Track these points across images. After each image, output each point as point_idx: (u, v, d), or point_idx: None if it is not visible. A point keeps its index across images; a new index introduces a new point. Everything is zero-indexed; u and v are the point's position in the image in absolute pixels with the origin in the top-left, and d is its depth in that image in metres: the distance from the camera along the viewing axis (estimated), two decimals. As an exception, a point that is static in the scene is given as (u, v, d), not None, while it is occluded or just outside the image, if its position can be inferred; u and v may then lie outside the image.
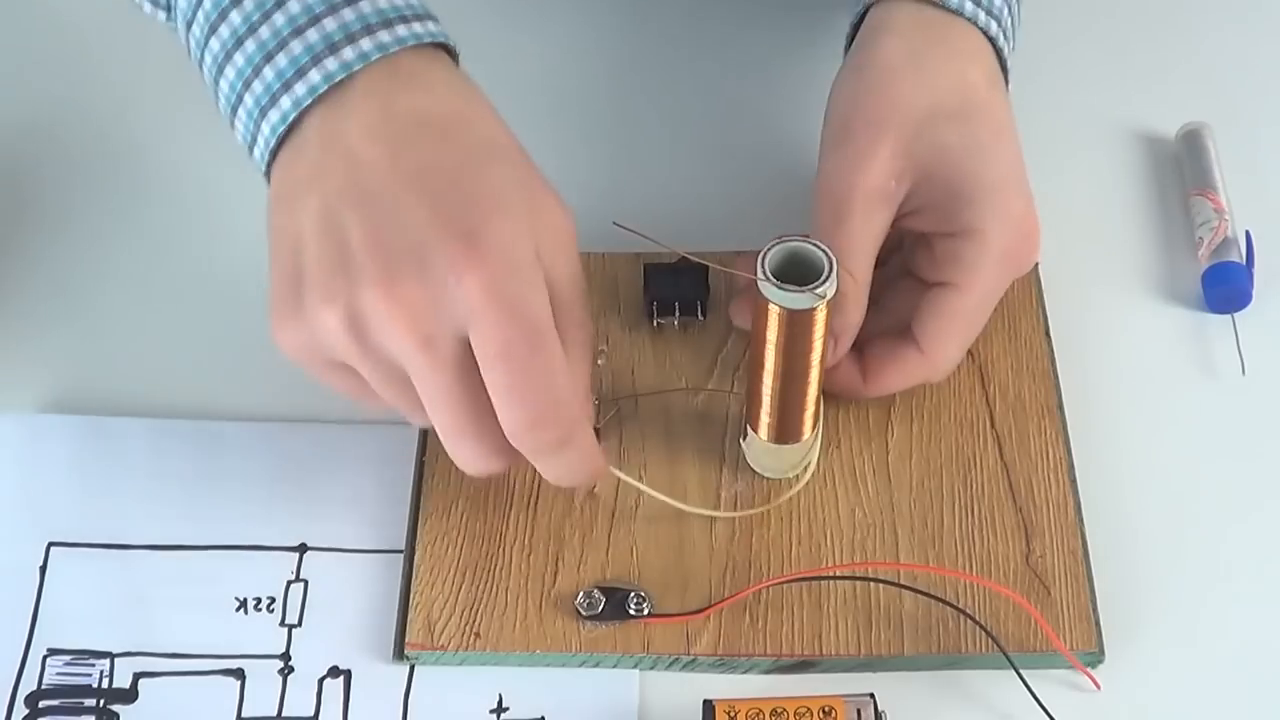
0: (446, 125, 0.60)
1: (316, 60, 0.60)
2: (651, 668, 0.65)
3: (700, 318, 0.73)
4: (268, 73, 0.60)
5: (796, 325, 0.61)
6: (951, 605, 0.65)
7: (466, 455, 0.61)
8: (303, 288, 0.59)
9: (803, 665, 0.65)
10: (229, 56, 0.61)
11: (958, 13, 0.68)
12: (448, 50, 0.63)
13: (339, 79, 0.59)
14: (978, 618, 0.64)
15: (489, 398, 0.59)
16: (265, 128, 0.61)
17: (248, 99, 0.61)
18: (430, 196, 0.58)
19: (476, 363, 0.58)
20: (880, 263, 0.68)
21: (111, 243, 0.78)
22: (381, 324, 0.57)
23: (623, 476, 0.66)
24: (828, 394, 0.67)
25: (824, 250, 0.60)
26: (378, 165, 0.58)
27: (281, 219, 0.60)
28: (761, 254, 0.60)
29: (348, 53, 0.59)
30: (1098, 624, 0.65)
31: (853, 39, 0.71)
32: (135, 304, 0.76)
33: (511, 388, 0.58)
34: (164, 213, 0.79)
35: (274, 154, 0.61)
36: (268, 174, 0.62)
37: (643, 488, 0.67)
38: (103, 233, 0.78)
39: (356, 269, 0.57)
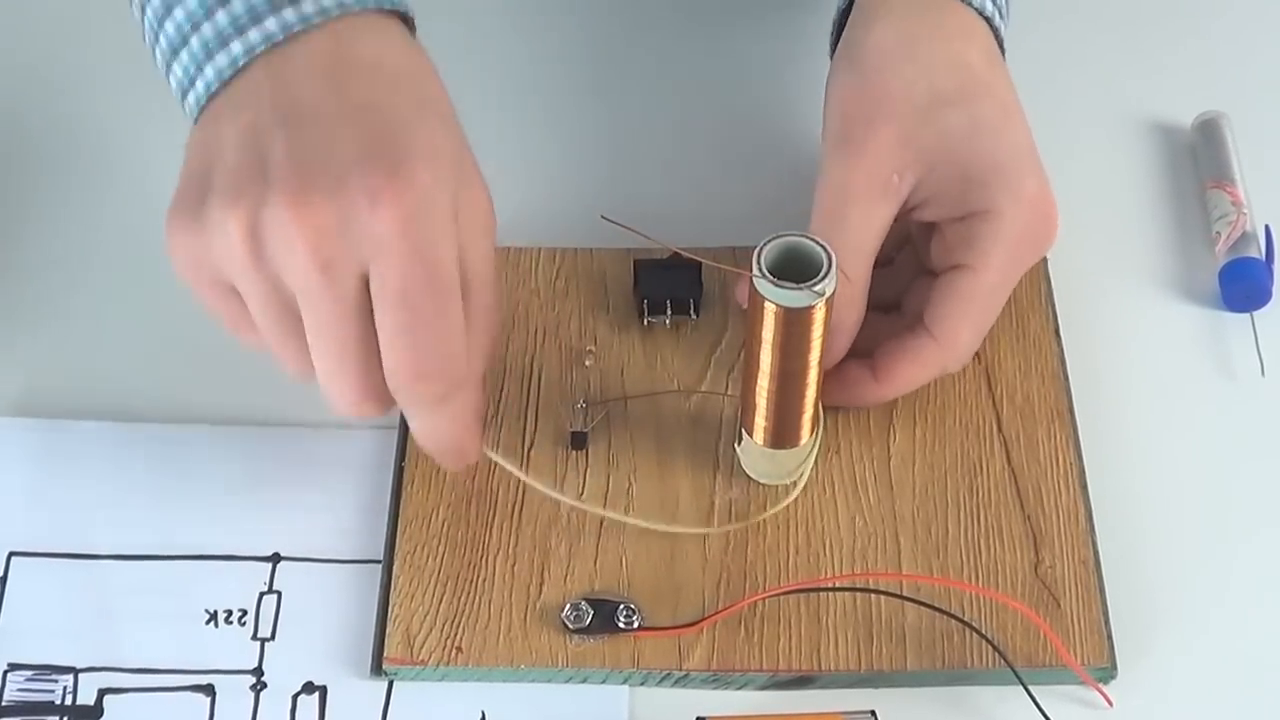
0: (397, 76, 0.60)
1: (275, 9, 0.59)
2: (642, 683, 0.64)
3: (693, 316, 0.72)
4: (221, 18, 0.60)
5: (794, 324, 0.60)
6: (956, 618, 0.64)
7: (341, 395, 0.60)
8: (209, 193, 0.58)
9: (800, 681, 0.64)
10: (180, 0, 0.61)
11: None
12: (405, 20, 0.63)
13: (295, 30, 0.59)
14: (984, 631, 0.63)
15: (376, 339, 0.58)
16: (209, 70, 0.60)
17: (194, 41, 0.61)
18: (365, 130, 0.57)
19: (369, 302, 0.58)
20: (886, 261, 0.68)
21: (75, 241, 0.77)
22: (283, 239, 0.56)
23: (500, 460, 0.65)
24: (835, 406, 0.67)
25: (822, 246, 0.60)
26: (319, 95, 0.58)
27: (204, 132, 0.60)
28: (758, 250, 0.60)
29: (307, 6, 0.59)
30: (1110, 637, 0.64)
31: (841, 25, 0.70)
32: (100, 302, 0.75)
33: (402, 332, 0.58)
34: (130, 212, 0.78)
35: (212, 97, 0.61)
36: (199, 116, 0.61)
37: (521, 475, 0.66)
38: (66, 231, 0.78)
39: (270, 180, 0.57)
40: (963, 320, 0.67)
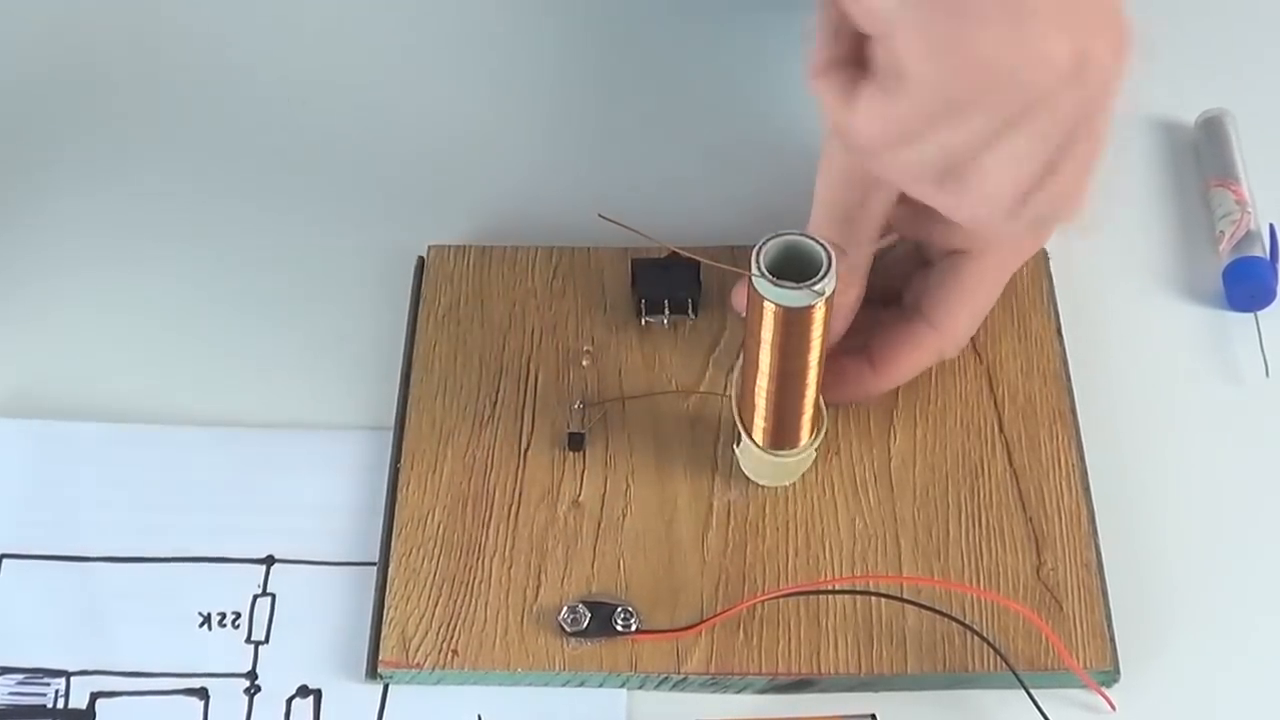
0: None
1: None
2: (640, 687, 0.64)
3: (691, 316, 0.72)
4: None
5: (794, 324, 0.60)
6: (958, 621, 0.63)
7: (1016, 193, 0.59)
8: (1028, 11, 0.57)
9: (800, 684, 0.63)
10: None
11: None
12: None
13: None
14: (985, 634, 0.63)
15: None
16: None
17: None
18: None
19: None
20: (885, 253, 0.67)
21: (66, 237, 0.77)
22: (1107, 71, 0.59)
23: None
24: (834, 403, 0.67)
25: (822, 245, 0.59)
26: None
27: None
28: (756, 249, 0.59)
29: None
30: (1113, 640, 0.64)
31: None
32: (93, 303, 0.75)
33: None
34: (122, 209, 0.78)
35: None
36: None
37: None
38: (57, 228, 0.77)
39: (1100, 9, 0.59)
40: (960, 306, 0.66)
